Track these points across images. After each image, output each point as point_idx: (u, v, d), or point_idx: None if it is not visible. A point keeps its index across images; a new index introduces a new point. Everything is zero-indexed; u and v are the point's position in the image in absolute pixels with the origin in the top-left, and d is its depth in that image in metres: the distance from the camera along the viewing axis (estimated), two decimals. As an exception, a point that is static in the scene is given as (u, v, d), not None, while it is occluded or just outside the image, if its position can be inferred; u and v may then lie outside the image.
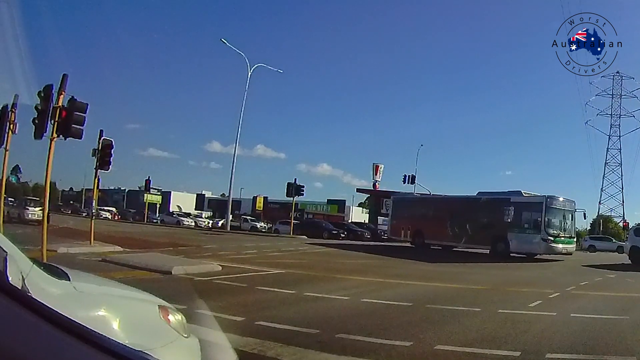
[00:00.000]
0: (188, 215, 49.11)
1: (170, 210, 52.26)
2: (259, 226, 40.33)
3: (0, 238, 1.81)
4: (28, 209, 24.99)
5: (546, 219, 19.66)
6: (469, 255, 21.58)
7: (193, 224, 43.56)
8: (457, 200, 25.36)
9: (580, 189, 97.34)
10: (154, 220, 48.91)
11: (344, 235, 33.16)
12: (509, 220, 21.05)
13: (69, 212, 53.08)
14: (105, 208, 52.54)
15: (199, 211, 57.78)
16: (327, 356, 4.75)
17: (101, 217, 46.61)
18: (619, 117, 61.30)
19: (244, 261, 13.91)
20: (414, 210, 26.37)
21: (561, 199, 20.83)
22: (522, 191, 21.85)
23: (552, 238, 19.56)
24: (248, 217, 43.36)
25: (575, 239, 22.41)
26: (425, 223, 24.74)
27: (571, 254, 20.69)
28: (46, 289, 1.97)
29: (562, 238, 20.10)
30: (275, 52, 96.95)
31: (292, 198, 34.76)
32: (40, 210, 27.29)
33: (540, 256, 20.16)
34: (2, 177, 13.13)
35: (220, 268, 11.47)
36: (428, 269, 15.23)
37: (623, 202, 63.62)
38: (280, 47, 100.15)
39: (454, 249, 23.69)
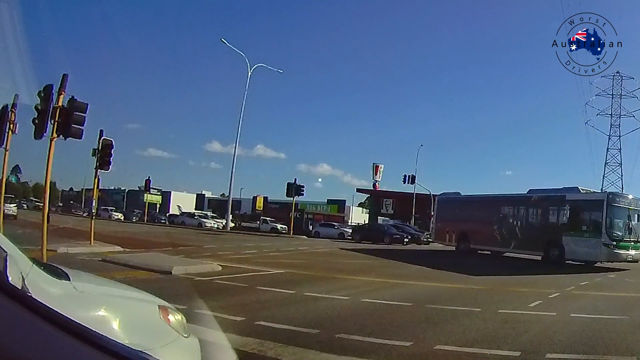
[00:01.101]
0: (206, 216, 46.21)
1: (192, 212, 50.00)
2: (279, 227, 38.45)
3: (0, 238, 1.81)
4: (5, 205, 26.80)
5: (607, 220, 16.60)
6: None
7: (215, 225, 41.02)
8: (504, 199, 22.20)
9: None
10: (162, 220, 48.30)
11: (407, 240, 29.72)
12: (564, 222, 18.40)
13: (81, 213, 49.95)
14: (111, 208, 52.37)
15: (200, 211, 57.14)
16: (327, 356, 4.75)
17: (113, 219, 46.26)
18: (619, 117, 61.06)
19: (244, 261, 13.91)
20: (459, 212, 23.75)
21: (629, 196, 18.11)
22: (579, 187, 19.14)
23: (614, 243, 16.40)
24: (268, 219, 41.22)
25: None
26: (471, 225, 22.24)
27: (637, 261, 17.23)
28: (46, 289, 1.97)
29: (627, 242, 16.80)
30: (275, 52, 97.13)
31: (292, 198, 34.79)
32: (15, 206, 28.39)
33: (602, 264, 17.08)
34: (2, 177, 13.14)
35: (221, 268, 11.47)
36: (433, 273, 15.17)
37: (623, 202, 63.38)
38: (280, 47, 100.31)
39: (503, 254, 21.09)
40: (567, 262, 17.54)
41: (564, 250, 17.68)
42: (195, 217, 44.51)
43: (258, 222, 41.15)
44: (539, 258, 18.67)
